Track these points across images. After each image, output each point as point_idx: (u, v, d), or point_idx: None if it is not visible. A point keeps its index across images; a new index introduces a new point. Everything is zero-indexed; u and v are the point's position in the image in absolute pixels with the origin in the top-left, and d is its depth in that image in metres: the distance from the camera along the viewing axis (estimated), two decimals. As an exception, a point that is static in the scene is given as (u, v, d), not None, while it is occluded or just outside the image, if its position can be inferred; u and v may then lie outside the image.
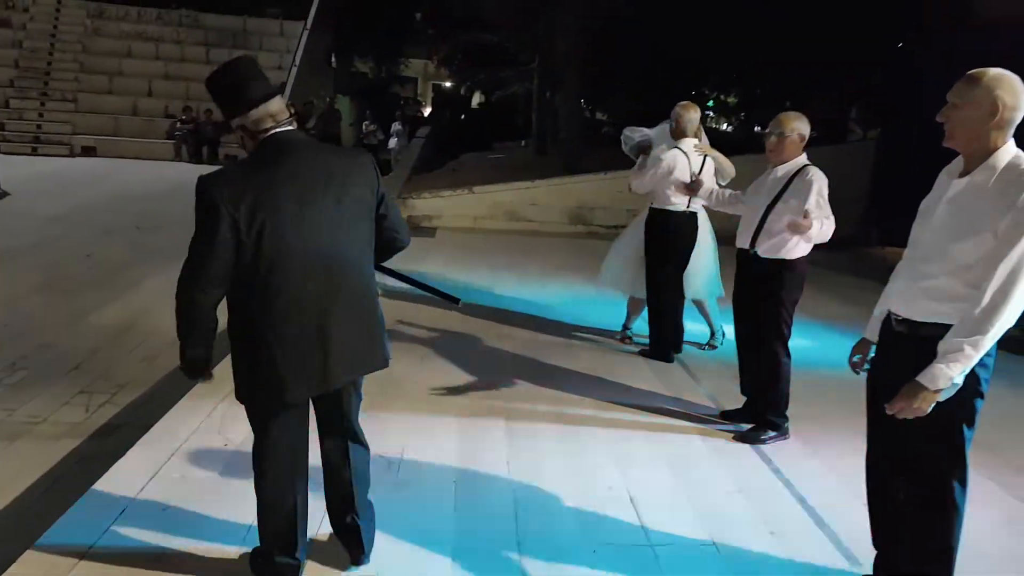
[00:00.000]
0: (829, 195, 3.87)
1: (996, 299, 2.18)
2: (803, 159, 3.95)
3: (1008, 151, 2.28)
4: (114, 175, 14.09)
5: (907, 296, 2.46)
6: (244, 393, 2.39)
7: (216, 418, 3.83)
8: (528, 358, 5.20)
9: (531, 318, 6.24)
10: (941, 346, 2.24)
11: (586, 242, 10.20)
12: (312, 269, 2.26)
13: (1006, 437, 4.26)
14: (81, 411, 4.32)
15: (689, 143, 5.12)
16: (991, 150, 2.28)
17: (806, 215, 3.75)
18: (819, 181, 3.84)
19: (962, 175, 2.36)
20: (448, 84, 29.54)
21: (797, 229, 3.75)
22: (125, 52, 19.80)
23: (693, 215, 5.18)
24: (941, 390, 2.23)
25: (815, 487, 3.53)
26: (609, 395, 4.57)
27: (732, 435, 4.08)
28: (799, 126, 3.93)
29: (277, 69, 19.74)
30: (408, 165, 14.63)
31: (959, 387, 2.25)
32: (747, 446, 3.97)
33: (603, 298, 6.50)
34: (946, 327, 2.29)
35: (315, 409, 2.56)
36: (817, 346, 5.59)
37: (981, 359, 2.25)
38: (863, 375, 2.70)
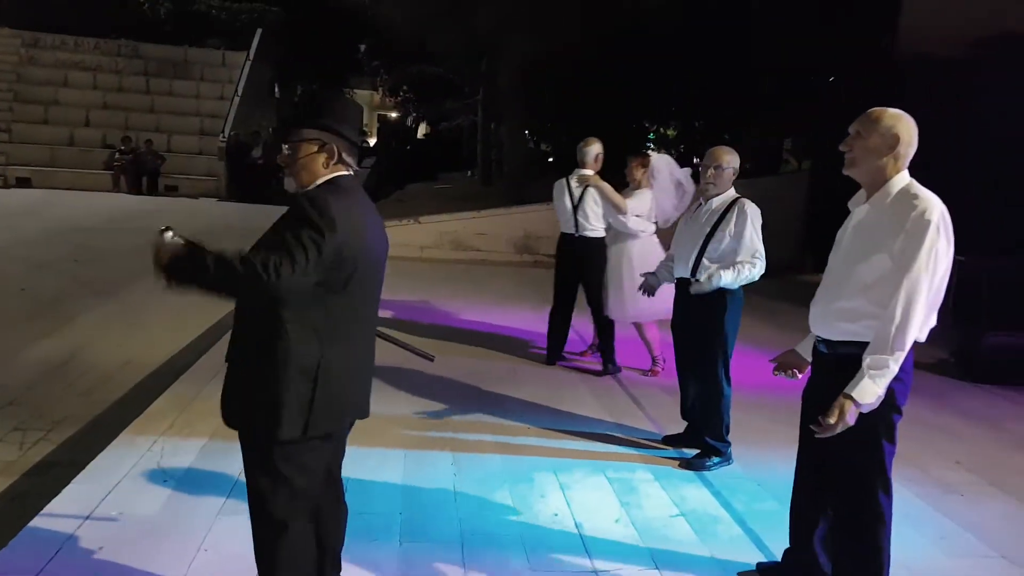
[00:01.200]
0: (765, 224, 4.04)
1: (905, 315, 2.37)
2: (733, 192, 4.12)
3: (902, 179, 2.53)
4: (50, 207, 13.71)
5: (824, 319, 2.65)
6: (287, 427, 2.13)
7: (156, 453, 3.75)
8: (473, 387, 5.23)
9: (476, 347, 6.29)
10: (866, 361, 2.39)
11: (532, 271, 10.32)
12: (375, 298, 2.36)
13: (933, 456, 4.45)
14: (15, 448, 4.18)
15: (577, 173, 5.62)
16: (886, 179, 2.52)
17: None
18: (753, 214, 4.00)
19: (865, 203, 2.60)
20: (394, 115, 29.66)
21: (702, 285, 3.95)
22: (61, 81, 19.40)
23: (582, 238, 5.62)
24: (868, 403, 2.38)
25: (754, 510, 3.63)
26: (554, 422, 4.63)
27: (677, 462, 4.17)
28: (732, 160, 4.11)
29: (219, 99, 19.60)
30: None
31: (881, 399, 2.40)
32: (688, 472, 4.06)
33: (542, 325, 6.57)
34: (860, 344, 2.47)
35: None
36: (755, 371, 5.75)
37: (899, 376, 2.43)
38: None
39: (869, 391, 2.38)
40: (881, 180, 2.53)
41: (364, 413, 2.41)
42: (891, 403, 2.49)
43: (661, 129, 21.60)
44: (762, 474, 4.04)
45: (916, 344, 2.49)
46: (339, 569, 2.51)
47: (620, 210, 5.47)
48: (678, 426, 4.45)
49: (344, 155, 2.24)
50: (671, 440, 4.43)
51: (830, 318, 2.60)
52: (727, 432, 4.16)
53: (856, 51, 10.95)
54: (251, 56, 19.92)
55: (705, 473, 4.04)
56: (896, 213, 2.45)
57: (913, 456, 4.40)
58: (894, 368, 2.38)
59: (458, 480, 3.76)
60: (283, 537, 2.21)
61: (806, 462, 2.85)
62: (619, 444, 4.38)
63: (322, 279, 2.09)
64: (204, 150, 18.38)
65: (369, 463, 3.84)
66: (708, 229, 4.07)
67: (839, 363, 2.55)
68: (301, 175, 2.23)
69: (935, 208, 2.40)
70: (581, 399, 5.10)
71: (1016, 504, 3.88)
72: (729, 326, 4.08)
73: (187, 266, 2.04)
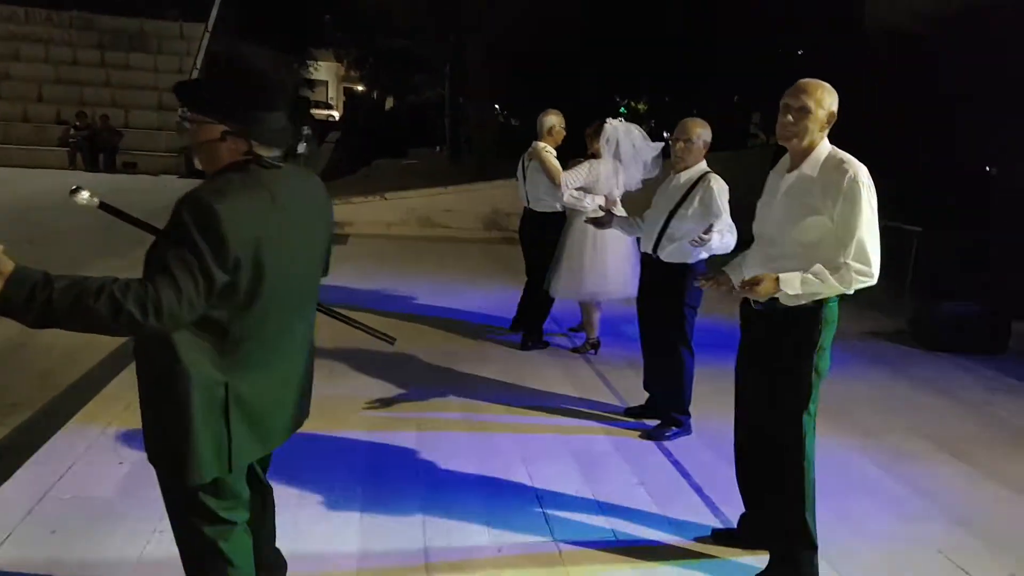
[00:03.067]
0: (732, 198, 4.00)
1: (860, 256, 2.56)
2: (703, 166, 4.09)
3: (825, 146, 2.71)
4: (3, 185, 13.33)
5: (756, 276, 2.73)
6: (207, 470, 1.86)
7: (110, 436, 3.70)
8: (440, 366, 5.21)
9: (444, 325, 6.26)
10: (814, 268, 2.56)
11: (501, 247, 10.29)
12: (295, 308, 1.97)
13: (889, 424, 4.55)
14: (-35, 434, 4.09)
15: (532, 146, 5.60)
16: (813, 147, 2.70)
17: (708, 229, 3.84)
18: (720, 189, 3.98)
19: (790, 170, 2.75)
20: (360, 88, 29.21)
21: (699, 243, 3.83)
22: (12, 55, 18.78)
23: (533, 212, 5.67)
24: (787, 292, 2.57)
25: (712, 478, 3.68)
26: (520, 398, 4.64)
27: (639, 433, 4.21)
28: (703, 133, 4.05)
29: (178, 72, 19.11)
30: (317, 171, 14.38)
31: (797, 300, 2.60)
32: (651, 442, 4.10)
33: (511, 302, 6.57)
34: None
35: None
36: (719, 344, 5.81)
37: (821, 343, 2.65)
38: None
39: (794, 284, 2.56)
40: (809, 150, 2.70)
41: (290, 431, 2.13)
42: (821, 349, 2.68)
43: (632, 103, 21.56)
44: (720, 443, 4.08)
45: (846, 303, 2.69)
46: (283, 568, 2.42)
47: (553, 182, 5.35)
48: (642, 398, 4.49)
49: (257, 148, 1.84)
50: (633, 412, 4.48)
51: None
52: (688, 404, 4.21)
53: (825, 24, 11.00)
54: (210, 28, 19.45)
55: (665, 443, 4.09)
56: (828, 178, 2.62)
57: (871, 425, 4.51)
58: (825, 289, 2.56)
59: (421, 457, 3.76)
60: (219, 564, 1.98)
61: (745, 424, 2.98)
62: (583, 418, 4.41)
63: (220, 294, 1.74)
64: (163, 125, 17.96)
65: (331, 444, 3.82)
66: (673, 205, 4.06)
67: (777, 320, 2.70)
68: (202, 158, 1.87)
69: (861, 169, 2.60)
70: (548, 375, 5.12)
71: (966, 469, 3.99)
72: (691, 299, 4.10)
73: (14, 297, 1.57)
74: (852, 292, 2.61)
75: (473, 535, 3.05)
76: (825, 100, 2.66)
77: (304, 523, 3.04)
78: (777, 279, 2.57)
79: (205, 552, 1.98)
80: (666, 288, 4.12)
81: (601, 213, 4.71)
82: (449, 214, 11.33)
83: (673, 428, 4.20)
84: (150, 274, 1.68)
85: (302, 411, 2.20)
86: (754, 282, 2.60)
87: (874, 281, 2.60)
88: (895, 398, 5.06)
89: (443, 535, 3.04)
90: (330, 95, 41.57)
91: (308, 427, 3.92)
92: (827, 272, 2.55)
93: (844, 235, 2.57)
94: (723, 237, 3.88)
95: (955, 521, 3.39)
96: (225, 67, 1.85)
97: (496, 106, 17.57)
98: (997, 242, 7.35)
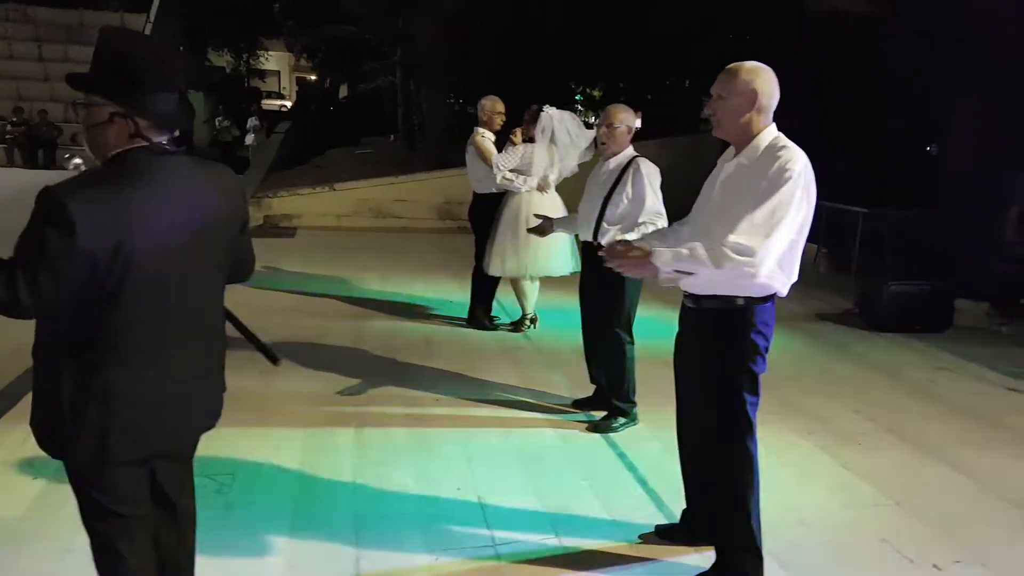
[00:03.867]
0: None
1: (733, 243, 2.35)
2: (631, 151, 4.05)
3: (768, 133, 2.52)
4: (-66, 184, 12.78)
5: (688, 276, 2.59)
6: (81, 451, 1.83)
7: (28, 447, 3.51)
8: (385, 359, 5.09)
9: (391, 318, 6.14)
10: (692, 244, 2.40)
11: (455, 237, 10.14)
12: (181, 307, 1.89)
13: (835, 407, 4.55)
14: None
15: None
16: (754, 134, 2.52)
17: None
18: (650, 172, 3.93)
19: (733, 159, 2.59)
20: (313, 77, 28.69)
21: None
22: (-56, 49, 18.02)
23: (474, 195, 5.87)
24: (657, 263, 2.39)
25: (658, 470, 3.62)
26: (465, 392, 4.54)
27: (585, 425, 4.15)
28: (626, 118, 4.03)
29: (120, 65, 18.51)
30: (266, 162, 14.09)
31: (667, 276, 2.44)
32: (595, 435, 4.03)
33: (462, 292, 6.46)
34: (725, 298, 2.52)
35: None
36: (663, 331, 5.77)
37: (759, 329, 2.53)
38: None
39: (666, 258, 2.39)
40: (749, 136, 2.53)
41: (189, 435, 2.07)
42: (753, 355, 2.55)
43: (588, 90, 21.44)
44: (667, 433, 4.01)
45: (777, 298, 2.56)
46: None
47: (487, 164, 5.53)
48: (590, 389, 4.42)
49: (146, 130, 1.77)
50: (580, 404, 4.41)
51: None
52: (632, 393, 4.15)
53: (770, 5, 11.01)
54: (151, 18, 18.82)
55: (611, 435, 4.03)
56: (763, 167, 2.46)
57: (816, 409, 4.50)
58: (701, 269, 2.38)
59: (358, 458, 3.64)
60: (113, 559, 1.94)
61: (684, 422, 2.91)
62: (529, 410, 4.33)
63: (81, 289, 1.71)
64: (105, 119, 17.37)
65: (264, 446, 3.68)
66: (606, 192, 4.00)
67: (705, 318, 2.61)
68: (91, 144, 1.84)
69: (798, 160, 2.42)
70: (496, 366, 5.03)
71: (910, 451, 3.99)
72: (631, 288, 4.03)
73: None
74: (720, 268, 2.37)
75: (408, 541, 2.94)
76: (739, 84, 2.47)
77: (228, 533, 2.90)
78: (650, 253, 2.41)
79: (101, 547, 1.96)
80: (607, 276, 4.02)
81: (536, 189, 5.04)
82: (401, 204, 11.15)
83: (620, 419, 4.14)
84: (7, 261, 1.70)
85: (205, 416, 2.08)
86: (624, 251, 2.47)
87: (756, 272, 2.36)
88: (841, 380, 5.06)
89: (376, 541, 2.92)
90: (283, 85, 40.84)
91: (239, 428, 3.83)
92: (701, 247, 2.36)
93: (743, 211, 2.37)
94: (642, 235, 3.83)
95: (900, 507, 3.38)
96: (109, 48, 1.82)
97: (450, 93, 17.31)
98: (938, 220, 7.43)
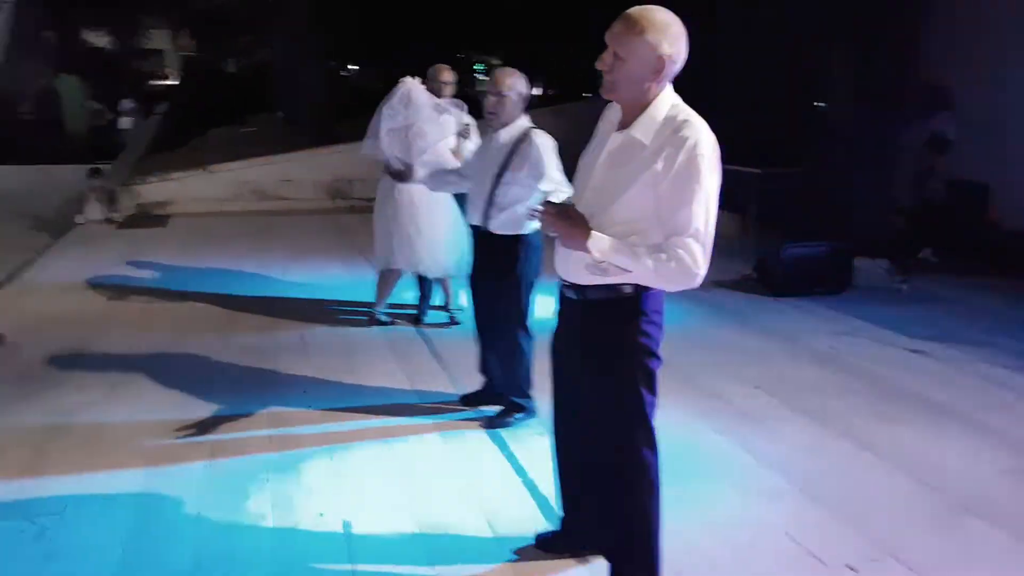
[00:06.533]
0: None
1: (679, 254, 2.06)
2: (525, 121, 3.63)
3: (665, 100, 2.15)
4: None
5: (571, 260, 2.25)
6: None
7: None
8: (252, 370, 4.48)
9: (264, 312, 5.55)
10: (635, 240, 2.12)
11: (345, 217, 9.56)
12: None
13: (735, 384, 4.31)
14: None
15: None
16: (649, 100, 2.14)
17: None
18: (545, 144, 3.53)
19: (621, 127, 2.21)
20: (191, 54, 26.99)
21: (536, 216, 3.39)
22: None
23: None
24: (593, 246, 2.10)
25: (546, 472, 3.26)
26: (343, 398, 4.07)
27: (478, 423, 3.78)
28: (516, 83, 3.58)
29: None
30: (139, 146, 13.01)
31: (601, 264, 2.13)
32: (484, 435, 3.67)
33: (349, 279, 5.96)
34: (612, 288, 2.20)
35: None
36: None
37: (651, 318, 2.23)
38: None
39: (604, 246, 2.09)
40: (644, 102, 2.15)
41: None
42: (646, 349, 2.24)
43: (489, 60, 20.80)
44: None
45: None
46: None
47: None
48: (480, 382, 4.03)
49: None
50: (468, 399, 4.02)
51: (580, 259, 2.19)
52: (530, 386, 3.79)
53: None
54: (8, -3, 17.11)
55: (503, 433, 3.67)
56: (663, 145, 2.09)
57: (715, 386, 4.26)
58: (635, 267, 2.09)
59: (207, 491, 3.14)
60: None
61: (563, 428, 2.58)
62: (414, 414, 3.89)
63: None
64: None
65: (96, 490, 3.13)
66: (496, 169, 3.57)
67: (590, 310, 2.28)
68: None
69: (705, 140, 2.08)
70: (379, 366, 4.54)
71: (815, 428, 3.77)
72: (528, 273, 3.65)
73: None
74: (669, 289, 2.16)
75: (254, 589, 2.51)
76: (645, 47, 2.06)
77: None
78: (589, 231, 2.11)
79: None
80: (499, 262, 3.64)
81: None
82: (286, 184, 10.44)
83: (516, 414, 3.78)
84: None
85: None
86: (564, 213, 2.17)
87: (697, 282, 2.08)
88: (739, 353, 4.84)
89: (216, 597, 2.48)
90: (167, 64, 38.46)
91: (69, 462, 3.28)
92: (644, 252, 2.07)
93: (669, 216, 2.07)
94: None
95: (805, 495, 3.13)
96: None
97: (347, 66, 16.42)
98: (831, 177, 7.37)
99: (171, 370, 4.42)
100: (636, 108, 2.15)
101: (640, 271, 2.09)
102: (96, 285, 6.22)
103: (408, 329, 5.22)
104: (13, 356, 4.65)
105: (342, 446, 3.54)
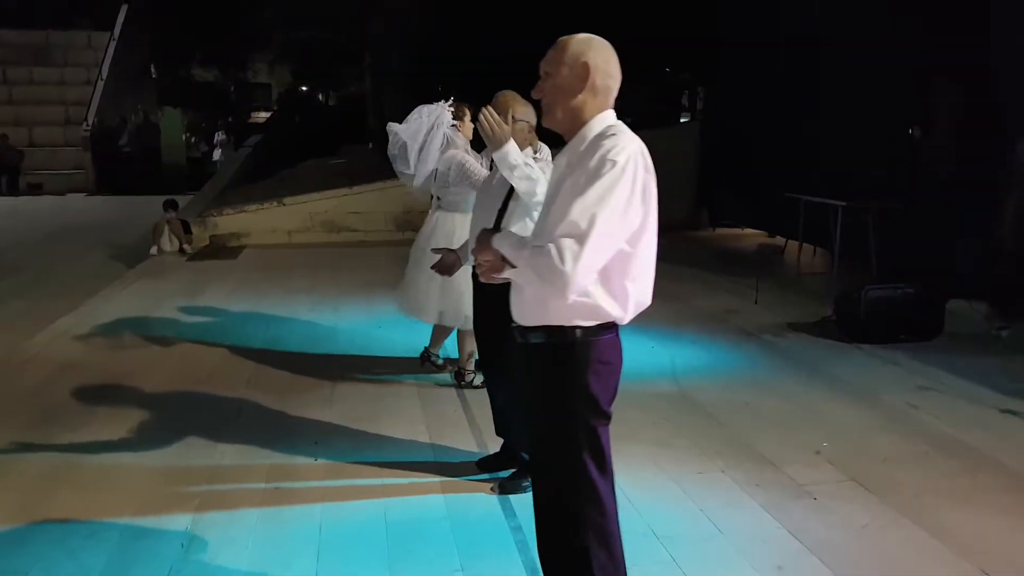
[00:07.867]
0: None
1: (560, 247, 1.86)
2: (532, 151, 3.34)
3: (601, 120, 2.03)
4: None
5: (517, 298, 2.13)
6: None
7: None
8: (272, 412, 4.31)
9: (301, 353, 5.40)
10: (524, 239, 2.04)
11: (412, 249, 9.44)
12: None
13: (793, 447, 3.80)
14: None
15: None
16: (585, 120, 2.03)
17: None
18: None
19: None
20: (291, 87, 28.10)
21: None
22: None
23: None
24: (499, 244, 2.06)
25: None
26: (353, 453, 3.80)
27: (489, 486, 3.44)
28: (526, 112, 3.36)
29: (85, 84, 18.05)
30: (223, 179, 13.42)
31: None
32: (494, 501, 3.32)
33: (398, 322, 5.74)
34: (549, 329, 2.02)
35: None
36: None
37: (595, 369, 2.01)
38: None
39: (498, 238, 2.07)
40: (579, 123, 2.04)
41: None
42: (590, 404, 2.00)
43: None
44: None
45: (618, 325, 2.05)
46: None
47: None
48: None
49: None
50: (485, 463, 3.66)
51: (523, 297, 2.10)
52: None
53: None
54: (116, 35, 18.29)
55: (512, 500, 3.31)
56: (584, 161, 1.95)
57: (771, 451, 3.75)
58: (519, 256, 1.97)
59: (183, 551, 2.93)
60: None
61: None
62: (424, 473, 3.58)
63: None
64: (69, 141, 16.88)
65: (71, 538, 2.99)
66: (500, 203, 3.27)
67: (532, 356, 2.10)
68: None
69: (624, 149, 1.91)
70: (404, 415, 4.27)
71: (875, 505, 3.23)
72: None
73: None
74: (540, 286, 1.96)
75: None
76: (568, 56, 2.00)
77: None
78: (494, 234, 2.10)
79: None
80: (504, 307, 3.31)
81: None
82: (356, 216, 10.47)
83: (529, 478, 3.42)
84: None
85: None
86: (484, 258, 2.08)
87: (566, 284, 1.85)
88: (804, 408, 4.30)
89: None
90: (275, 98, 40.28)
91: (56, 511, 3.15)
92: (528, 243, 1.97)
93: (560, 211, 1.90)
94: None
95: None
96: None
97: (423, 96, 16.61)
98: (925, 212, 6.65)
99: (188, 409, 4.31)
100: (572, 131, 2.06)
101: (520, 262, 1.98)
102: (142, 321, 6.25)
103: (448, 378, 4.88)
104: (39, 394, 4.66)
105: (337, 505, 3.29)
